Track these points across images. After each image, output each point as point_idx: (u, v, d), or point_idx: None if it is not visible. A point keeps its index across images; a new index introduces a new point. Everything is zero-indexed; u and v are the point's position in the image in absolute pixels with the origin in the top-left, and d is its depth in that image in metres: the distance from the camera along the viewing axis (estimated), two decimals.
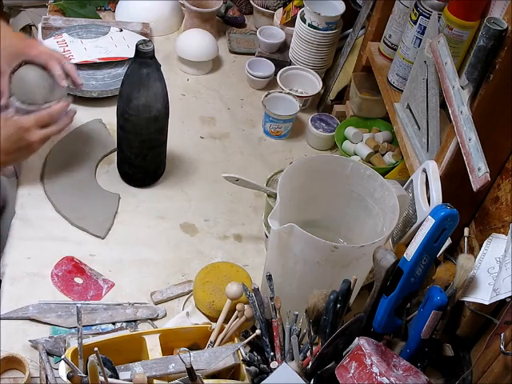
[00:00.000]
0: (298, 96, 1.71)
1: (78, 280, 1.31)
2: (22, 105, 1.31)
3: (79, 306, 1.06)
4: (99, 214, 1.44)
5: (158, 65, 1.34)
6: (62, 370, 1.05)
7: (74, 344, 1.13)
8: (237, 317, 1.17)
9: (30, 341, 1.20)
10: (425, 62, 1.27)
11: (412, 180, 1.25)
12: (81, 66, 1.66)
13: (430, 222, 1.00)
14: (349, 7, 1.71)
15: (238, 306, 1.16)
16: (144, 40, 1.31)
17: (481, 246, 1.12)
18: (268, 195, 1.37)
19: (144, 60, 1.31)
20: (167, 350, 1.14)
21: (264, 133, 1.72)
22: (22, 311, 1.24)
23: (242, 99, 1.81)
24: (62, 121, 1.33)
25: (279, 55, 1.87)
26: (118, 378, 1.05)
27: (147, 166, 1.50)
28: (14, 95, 1.32)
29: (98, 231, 1.40)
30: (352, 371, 0.97)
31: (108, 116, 1.62)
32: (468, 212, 1.22)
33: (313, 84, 1.76)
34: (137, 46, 1.30)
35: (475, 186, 1.07)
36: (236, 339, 1.17)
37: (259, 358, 1.12)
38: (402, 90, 1.40)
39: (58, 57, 1.35)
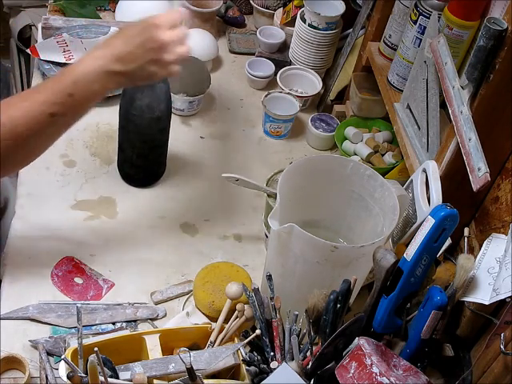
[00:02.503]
0: (298, 96, 1.71)
1: (78, 280, 1.31)
2: None
3: (79, 306, 1.06)
4: None
5: None
6: (62, 370, 1.05)
7: (74, 344, 1.13)
8: (237, 317, 1.17)
9: (30, 341, 1.19)
10: (425, 61, 1.26)
11: (412, 180, 1.25)
12: None
13: (429, 222, 1.00)
14: (349, 7, 1.71)
15: (238, 306, 1.16)
16: None
17: (481, 245, 1.12)
18: (268, 195, 1.37)
19: None
20: (167, 349, 1.14)
21: (264, 133, 1.72)
22: (22, 311, 1.24)
23: (242, 99, 1.81)
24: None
25: (279, 55, 1.88)
26: (118, 377, 1.05)
27: (148, 166, 1.50)
28: None
29: None
30: (352, 371, 0.97)
31: (108, 116, 1.62)
32: (468, 212, 1.22)
33: (313, 84, 1.76)
34: None
35: (475, 186, 1.07)
36: (236, 339, 1.17)
37: (259, 357, 1.12)
38: (402, 90, 1.40)
39: None
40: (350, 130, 1.64)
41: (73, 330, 1.22)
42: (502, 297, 1.00)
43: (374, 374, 0.95)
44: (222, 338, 1.17)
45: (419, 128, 1.32)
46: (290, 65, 1.81)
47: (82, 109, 1.08)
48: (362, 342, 0.99)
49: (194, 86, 1.64)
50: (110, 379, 1.01)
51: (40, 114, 1.03)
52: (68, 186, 1.48)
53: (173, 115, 1.65)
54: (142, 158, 1.46)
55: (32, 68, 1.87)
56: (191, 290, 1.33)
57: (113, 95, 1.62)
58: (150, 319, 1.28)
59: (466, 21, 1.20)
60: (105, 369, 1.00)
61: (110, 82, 1.07)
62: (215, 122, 1.72)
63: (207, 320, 1.28)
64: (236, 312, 1.17)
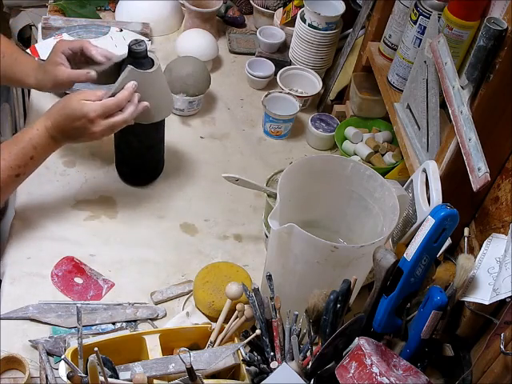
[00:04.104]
0: (298, 96, 1.71)
1: (78, 280, 1.31)
2: None
3: (79, 306, 1.06)
4: None
5: (152, 64, 1.33)
6: (62, 370, 1.05)
7: (73, 344, 1.13)
8: (237, 317, 1.17)
9: (30, 341, 1.20)
10: (425, 61, 1.26)
11: (412, 180, 1.25)
12: None
13: (430, 222, 1.00)
14: (349, 7, 1.71)
15: (238, 306, 1.16)
16: (136, 40, 1.30)
17: (481, 246, 1.12)
18: (268, 195, 1.37)
19: (137, 60, 1.30)
20: (167, 349, 1.14)
21: (264, 133, 1.72)
22: (22, 311, 1.24)
23: (242, 99, 1.81)
24: (128, 110, 1.28)
25: (279, 55, 1.88)
26: (118, 377, 1.05)
27: (145, 164, 1.50)
28: None
29: None
30: (352, 371, 0.97)
31: None
32: (468, 212, 1.22)
33: (313, 84, 1.76)
34: (129, 46, 1.29)
35: (475, 186, 1.07)
36: (236, 339, 1.17)
37: (259, 357, 1.12)
38: (402, 90, 1.40)
39: None
40: (350, 130, 1.64)
41: (73, 330, 1.22)
42: (502, 297, 1.00)
43: (374, 374, 0.94)
44: (222, 338, 1.17)
45: (419, 128, 1.32)
46: (290, 65, 1.81)
47: (37, 166, 1.31)
48: (362, 342, 0.99)
49: (194, 86, 1.64)
50: (109, 379, 1.01)
51: (8, 177, 1.25)
52: (68, 186, 1.48)
53: (173, 115, 1.66)
54: (139, 157, 1.46)
55: None
56: (191, 290, 1.33)
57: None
58: (150, 319, 1.28)
59: (466, 21, 1.20)
60: (105, 369, 1.00)
61: (59, 145, 1.31)
62: (215, 122, 1.72)
63: (207, 320, 1.28)
64: (236, 312, 1.17)
